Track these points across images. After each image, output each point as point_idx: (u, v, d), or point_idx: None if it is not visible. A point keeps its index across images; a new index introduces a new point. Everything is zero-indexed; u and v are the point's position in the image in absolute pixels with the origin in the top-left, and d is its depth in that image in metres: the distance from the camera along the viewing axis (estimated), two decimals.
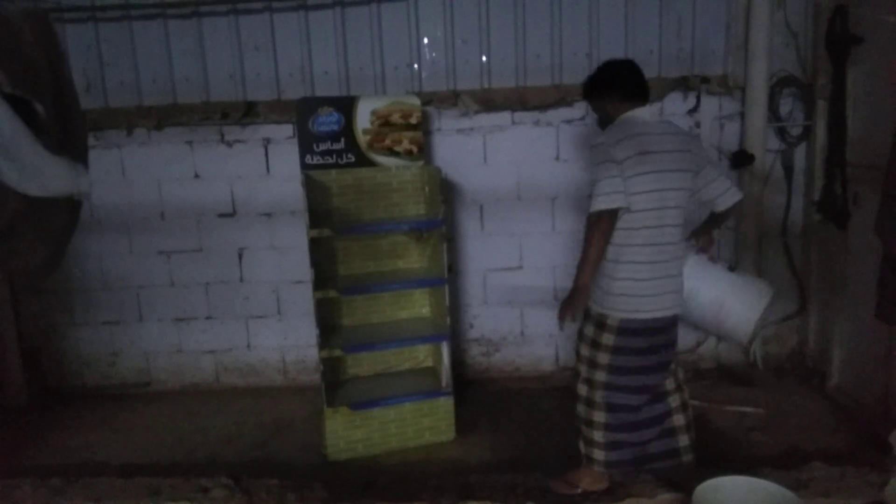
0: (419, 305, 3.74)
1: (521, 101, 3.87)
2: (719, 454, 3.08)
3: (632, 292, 2.50)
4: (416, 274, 3.58)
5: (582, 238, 2.51)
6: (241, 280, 4.08)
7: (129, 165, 3.95)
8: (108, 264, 4.05)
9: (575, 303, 2.51)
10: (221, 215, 4.01)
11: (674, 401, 2.68)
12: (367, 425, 3.30)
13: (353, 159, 3.44)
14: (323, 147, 3.39)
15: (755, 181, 3.84)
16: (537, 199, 3.99)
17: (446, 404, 3.40)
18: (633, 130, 2.47)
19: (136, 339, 4.15)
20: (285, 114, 3.84)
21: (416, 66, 3.87)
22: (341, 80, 3.86)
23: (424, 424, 3.37)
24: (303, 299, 3.93)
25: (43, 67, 1.95)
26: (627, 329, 2.53)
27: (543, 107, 3.88)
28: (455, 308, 3.95)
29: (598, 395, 2.59)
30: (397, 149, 3.48)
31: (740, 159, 3.82)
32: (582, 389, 2.65)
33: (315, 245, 3.19)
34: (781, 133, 3.91)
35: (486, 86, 3.88)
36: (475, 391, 3.96)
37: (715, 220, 2.80)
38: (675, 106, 3.89)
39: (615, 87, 2.58)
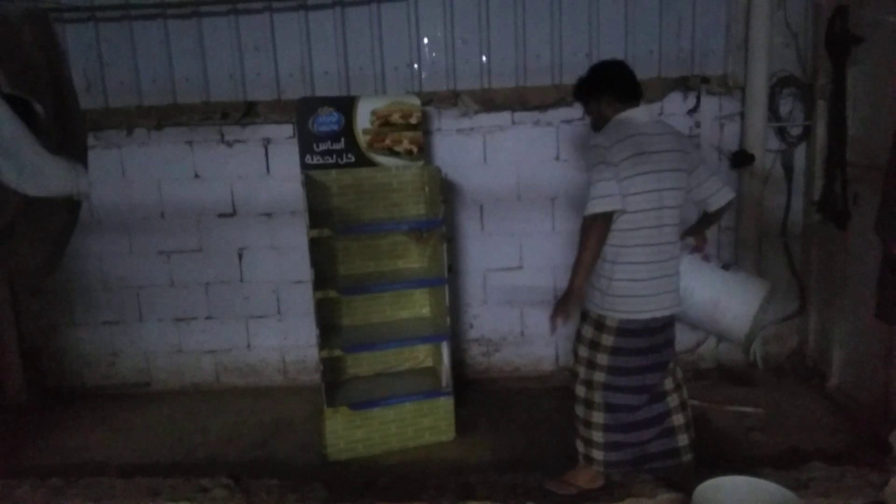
0: (419, 305, 3.74)
1: (521, 101, 3.87)
2: (719, 454, 3.08)
3: (630, 293, 2.50)
4: (416, 274, 3.58)
5: (577, 241, 2.51)
6: (241, 280, 4.08)
7: (129, 165, 3.95)
8: (108, 264, 4.05)
9: (568, 305, 2.51)
10: (221, 215, 4.01)
11: (673, 400, 2.68)
12: (367, 425, 3.30)
13: (353, 159, 3.44)
14: (323, 147, 3.39)
15: (755, 181, 3.84)
16: (537, 199, 3.99)
17: (446, 404, 3.40)
18: (629, 131, 2.47)
19: (136, 339, 4.15)
20: (285, 114, 3.84)
21: (416, 66, 3.87)
22: (341, 80, 3.86)
23: (424, 424, 3.38)
24: (303, 299, 3.93)
25: (43, 67, 1.95)
26: (626, 330, 2.53)
27: (543, 107, 3.88)
28: (455, 308, 3.94)
29: (597, 396, 2.59)
30: (397, 149, 3.48)
31: (740, 159, 3.82)
32: (580, 390, 2.65)
33: (315, 245, 3.19)
34: (781, 133, 3.91)
35: (486, 86, 3.88)
36: (475, 391, 3.96)
37: (708, 219, 2.81)
38: (675, 106, 3.89)
39: (609, 87, 2.58)
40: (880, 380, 3.18)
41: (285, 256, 4.02)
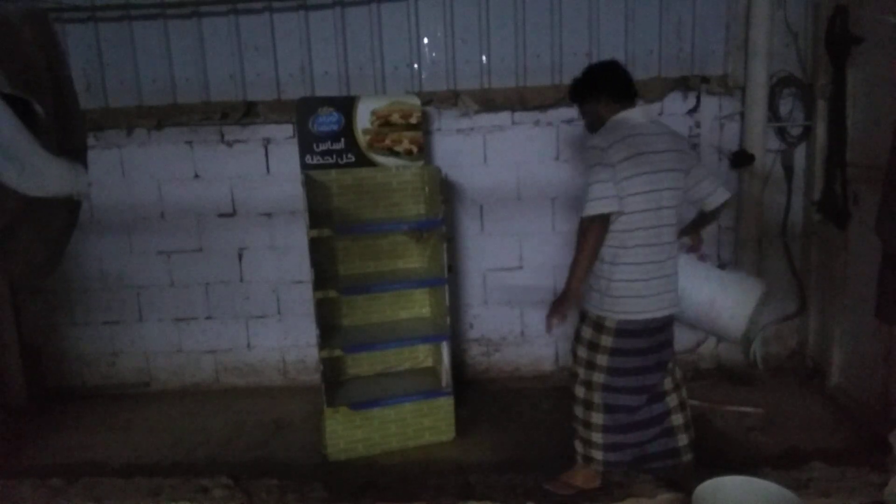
0: (419, 305, 3.75)
1: (521, 101, 3.87)
2: (719, 454, 3.08)
3: (630, 293, 2.50)
4: (416, 274, 3.58)
5: (575, 242, 2.51)
6: (241, 280, 4.08)
7: (129, 165, 3.95)
8: (108, 264, 4.05)
9: (564, 306, 2.51)
10: (221, 215, 4.01)
11: (672, 400, 2.68)
12: (367, 425, 3.30)
13: (353, 159, 3.44)
14: (323, 147, 3.39)
15: (755, 181, 3.84)
16: (537, 199, 3.99)
17: (446, 404, 3.40)
18: (626, 132, 2.47)
19: (136, 339, 4.16)
20: (285, 114, 3.84)
21: (416, 66, 3.87)
22: (341, 80, 3.86)
23: (424, 424, 3.38)
24: (303, 299, 3.93)
25: (43, 67, 1.95)
26: (626, 330, 2.53)
27: (543, 107, 3.88)
28: (455, 308, 3.94)
29: (597, 397, 2.59)
30: (397, 149, 3.48)
31: (740, 159, 3.82)
32: (580, 391, 2.65)
33: (315, 245, 3.19)
34: (781, 133, 3.91)
35: (486, 86, 3.88)
36: (475, 391, 3.96)
37: (704, 219, 2.82)
38: (675, 106, 3.89)
39: (605, 88, 2.58)
40: (880, 380, 3.18)
41: (285, 256, 4.03)
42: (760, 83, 3.73)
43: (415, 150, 3.51)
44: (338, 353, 3.33)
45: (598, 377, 2.58)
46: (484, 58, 3.86)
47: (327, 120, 3.37)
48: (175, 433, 3.60)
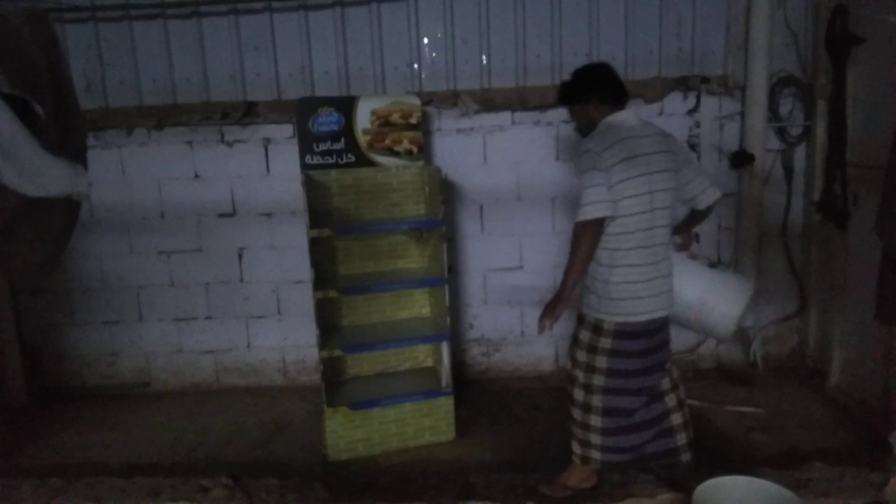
0: (419, 305, 3.74)
1: (521, 101, 3.87)
2: (719, 454, 3.08)
3: (627, 295, 2.51)
4: (416, 274, 3.58)
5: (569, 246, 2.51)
6: (241, 280, 4.08)
7: (129, 165, 3.95)
8: (108, 264, 4.05)
9: (557, 310, 2.51)
10: (221, 215, 4.01)
11: (670, 400, 2.68)
12: (367, 425, 3.30)
13: (353, 159, 3.44)
14: (323, 147, 3.39)
15: (755, 181, 3.84)
16: (537, 199, 3.99)
17: (446, 404, 3.40)
18: (619, 135, 2.47)
19: (136, 339, 4.16)
20: (285, 114, 3.84)
21: (416, 66, 3.87)
22: (341, 80, 3.86)
23: (424, 424, 3.38)
24: (303, 299, 3.93)
25: (43, 67, 1.95)
26: (624, 332, 2.54)
27: (543, 107, 3.88)
28: (455, 308, 3.94)
29: (596, 400, 2.59)
30: (397, 149, 3.48)
31: (740, 159, 3.82)
32: (578, 394, 2.64)
33: (315, 245, 3.19)
34: (781, 133, 3.91)
35: (486, 86, 3.88)
36: (475, 391, 3.96)
37: (695, 217, 2.82)
38: (675, 106, 3.89)
39: (597, 91, 2.57)
40: (880, 380, 3.18)
41: (285, 256, 4.02)
42: (760, 83, 3.72)
43: (415, 150, 3.51)
44: (338, 353, 3.33)
45: (598, 380, 2.58)
46: (484, 58, 3.86)
47: (327, 120, 3.37)
48: (175, 433, 3.60)
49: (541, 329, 2.54)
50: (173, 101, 3.87)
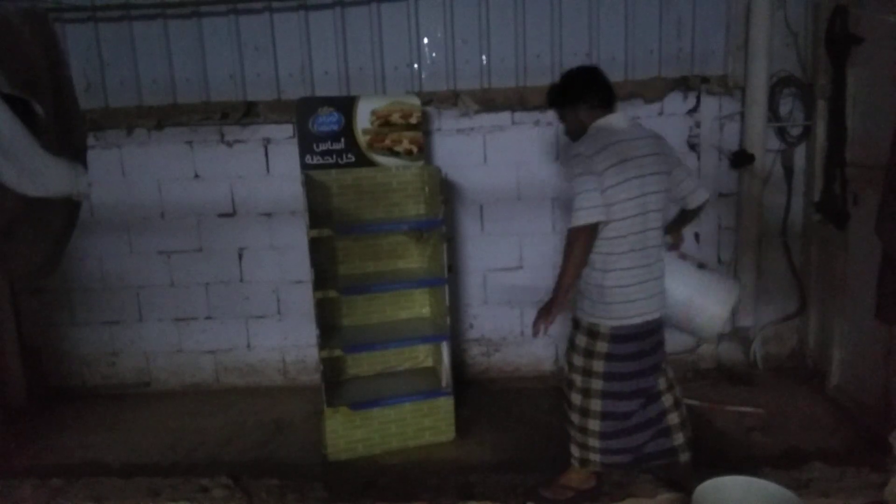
0: (419, 305, 3.74)
1: (521, 101, 3.87)
2: (719, 454, 3.08)
3: (621, 299, 2.51)
4: (416, 274, 3.58)
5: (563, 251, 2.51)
6: (241, 280, 4.08)
7: (129, 165, 3.95)
8: (108, 264, 4.05)
9: (551, 315, 2.51)
10: (221, 215, 4.01)
11: (667, 400, 2.68)
12: (367, 425, 3.30)
13: (353, 159, 3.44)
14: (323, 147, 3.39)
15: (755, 181, 3.84)
16: (537, 199, 3.99)
17: (446, 404, 3.40)
18: (611, 139, 2.47)
19: (136, 339, 4.16)
20: (285, 114, 3.84)
21: (416, 66, 3.87)
22: (341, 80, 3.86)
23: (424, 424, 3.38)
24: (303, 299, 3.93)
25: (42, 67, 1.95)
26: (619, 335, 2.54)
27: (543, 107, 3.83)
28: (455, 308, 3.94)
29: (594, 404, 2.59)
30: (397, 149, 3.48)
31: (740, 159, 3.82)
32: (576, 398, 2.64)
33: (315, 245, 3.19)
34: (781, 133, 3.91)
35: (486, 86, 3.88)
36: (475, 391, 3.96)
37: (685, 217, 2.83)
38: (675, 106, 3.89)
39: (586, 95, 2.57)
40: (880, 380, 3.18)
41: (285, 256, 4.02)
42: (760, 83, 3.72)
43: (415, 150, 3.51)
44: (338, 353, 3.33)
45: (597, 384, 2.58)
46: (484, 58, 3.86)
47: (327, 120, 3.37)
48: (175, 433, 3.60)
49: (535, 333, 2.55)
50: (173, 101, 3.87)
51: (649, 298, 2.55)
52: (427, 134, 3.82)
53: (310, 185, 3.25)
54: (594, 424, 2.60)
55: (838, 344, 3.62)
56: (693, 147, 3.93)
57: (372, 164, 3.47)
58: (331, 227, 3.29)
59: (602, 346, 2.55)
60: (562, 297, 2.50)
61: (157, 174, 3.96)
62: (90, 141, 3.67)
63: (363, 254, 3.63)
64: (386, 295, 3.65)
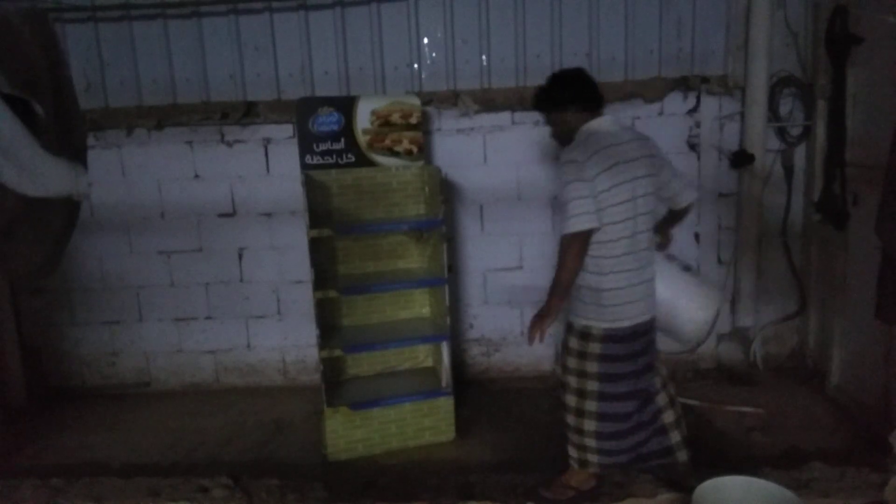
0: (419, 305, 3.74)
1: (521, 101, 3.86)
2: (719, 454, 3.08)
3: (615, 302, 2.51)
4: (416, 274, 3.58)
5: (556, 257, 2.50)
6: (241, 280, 4.08)
7: (129, 165, 3.95)
8: (108, 264, 4.05)
9: (546, 322, 2.50)
10: (221, 215, 4.01)
11: (661, 399, 2.69)
12: (367, 425, 3.30)
13: (353, 159, 3.44)
14: (323, 147, 3.39)
15: (755, 181, 3.84)
16: (537, 199, 3.99)
17: (446, 404, 3.40)
18: (602, 143, 2.46)
19: (136, 339, 4.16)
20: (285, 114, 3.84)
21: (416, 66, 3.87)
22: (341, 80, 3.86)
23: (424, 424, 3.38)
24: (303, 299, 3.93)
25: (42, 67, 1.95)
26: (612, 337, 2.54)
27: None
28: (455, 308, 3.95)
29: (590, 405, 2.59)
30: (397, 149, 3.48)
31: (740, 159, 3.82)
32: (571, 400, 2.64)
33: (315, 245, 3.19)
34: (781, 133, 3.91)
35: (486, 86, 3.88)
36: (475, 391, 3.96)
37: (673, 217, 2.83)
38: (675, 106, 3.89)
39: (575, 97, 2.56)
40: (880, 380, 3.18)
41: (285, 256, 4.03)
42: (760, 83, 3.72)
43: (415, 150, 3.51)
44: (338, 353, 3.33)
45: (592, 385, 2.58)
46: (484, 58, 3.86)
47: (327, 120, 3.37)
48: (175, 433, 3.60)
49: (531, 340, 2.54)
50: (173, 101, 3.87)
51: (641, 301, 2.56)
52: (427, 134, 3.82)
53: (310, 185, 3.25)
54: (590, 425, 2.60)
55: (838, 344, 3.62)
56: (693, 147, 3.93)
57: (372, 164, 3.47)
58: (331, 227, 3.29)
59: (595, 348, 2.56)
60: (557, 304, 2.50)
61: (157, 174, 3.96)
62: (90, 141, 3.67)
63: (363, 254, 3.63)
64: (386, 295, 3.65)
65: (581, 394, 2.61)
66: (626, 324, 2.54)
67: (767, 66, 3.71)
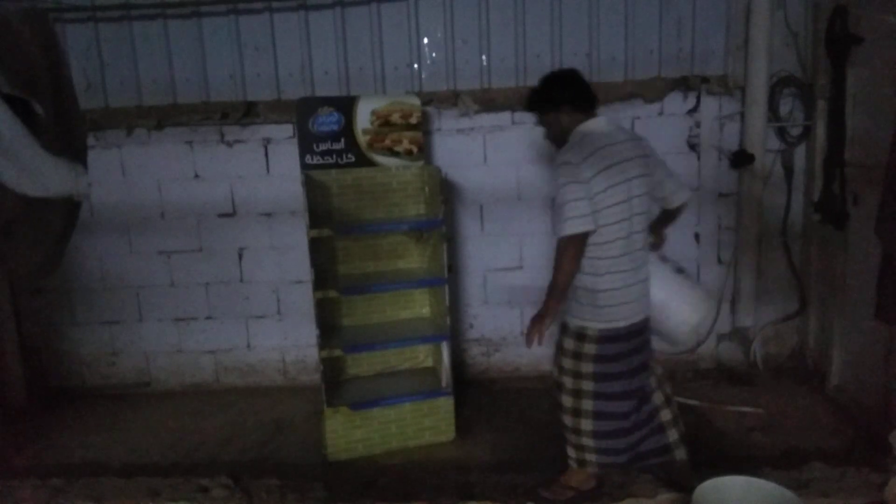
0: (419, 305, 3.74)
1: (521, 101, 3.82)
2: (719, 454, 3.08)
3: (610, 302, 2.52)
4: (416, 274, 3.58)
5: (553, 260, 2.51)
6: (241, 280, 4.08)
7: (129, 165, 3.95)
8: (108, 264, 4.05)
9: (544, 324, 2.50)
10: (221, 215, 4.01)
11: (657, 398, 2.70)
12: (367, 425, 3.30)
13: (353, 159, 3.44)
14: (323, 147, 3.39)
15: (755, 181, 3.84)
16: (537, 199, 3.99)
17: (446, 404, 3.40)
18: (597, 144, 2.46)
19: (136, 339, 4.16)
20: (285, 114, 3.84)
21: (416, 66, 3.87)
22: (341, 80, 3.86)
23: (424, 424, 3.37)
24: (303, 299, 3.93)
25: (42, 67, 1.95)
26: (608, 338, 2.55)
27: None
28: (455, 308, 3.94)
29: (586, 405, 2.60)
30: (397, 149, 3.48)
31: (740, 159, 3.82)
32: (567, 401, 2.64)
33: (315, 245, 3.19)
34: (781, 133, 3.91)
35: (486, 86, 3.88)
36: (475, 391, 3.96)
37: (667, 217, 2.83)
38: (675, 106, 3.89)
39: (569, 98, 2.56)
40: (880, 380, 3.18)
41: (285, 256, 4.02)
42: (760, 83, 3.72)
43: (415, 150, 3.51)
44: (338, 353, 3.33)
45: (587, 385, 2.58)
46: (484, 58, 3.86)
47: (327, 120, 3.37)
48: (175, 433, 3.60)
49: (529, 344, 2.54)
50: (173, 101, 3.87)
51: (636, 301, 2.57)
52: (427, 134, 3.82)
53: (310, 185, 3.25)
54: (587, 425, 2.61)
55: (838, 344, 3.62)
56: (693, 147, 3.93)
57: (372, 164, 3.47)
58: (331, 227, 3.29)
59: (590, 349, 2.56)
60: (554, 306, 2.50)
61: (157, 174, 3.96)
62: (90, 141, 3.67)
63: (363, 254, 3.63)
64: (386, 295, 3.65)
65: (577, 394, 2.61)
66: (621, 324, 2.54)
67: (767, 66, 3.71)
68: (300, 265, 3.76)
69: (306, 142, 3.36)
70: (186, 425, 3.69)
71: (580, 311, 2.57)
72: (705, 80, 3.85)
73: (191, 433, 3.59)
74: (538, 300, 2.56)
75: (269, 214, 4.01)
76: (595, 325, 2.54)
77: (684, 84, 3.86)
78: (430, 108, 3.85)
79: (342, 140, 3.40)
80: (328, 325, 3.52)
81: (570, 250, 2.43)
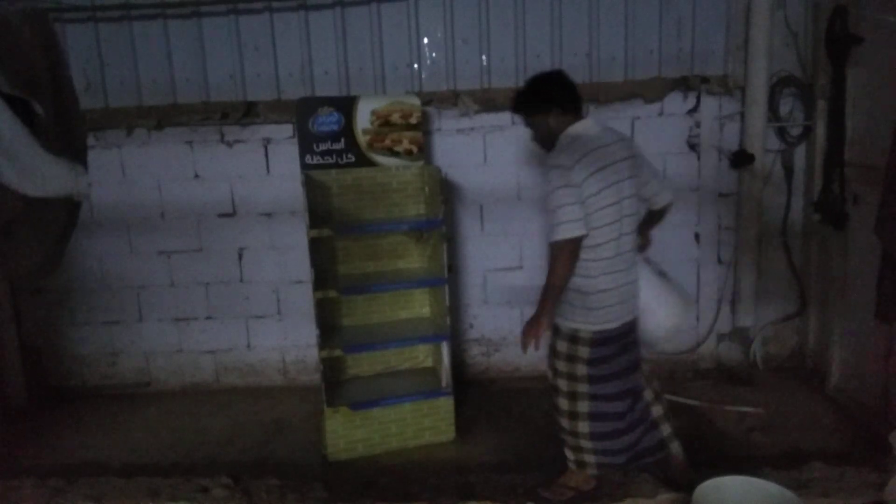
0: (419, 305, 3.74)
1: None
2: (719, 454, 3.08)
3: (602, 304, 2.52)
4: (416, 274, 3.58)
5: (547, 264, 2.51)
6: (241, 280, 4.08)
7: (129, 165, 3.95)
8: (108, 264, 4.05)
9: (539, 329, 2.51)
10: (221, 215, 4.01)
11: (648, 394, 2.72)
12: (367, 425, 3.30)
13: (353, 159, 3.44)
14: (323, 147, 3.39)
15: (755, 181, 3.84)
16: (537, 199, 3.98)
17: (446, 404, 3.40)
18: (587, 146, 2.46)
19: (136, 339, 4.15)
20: (285, 114, 3.84)
21: (416, 66, 3.87)
22: (341, 80, 3.86)
23: (424, 424, 3.38)
24: (303, 299, 3.93)
25: (42, 67, 1.96)
26: (601, 339, 2.55)
27: None
28: (455, 308, 3.94)
29: (582, 406, 2.60)
30: (397, 149, 3.48)
31: (740, 159, 3.82)
32: (563, 403, 2.65)
33: (315, 245, 3.19)
34: (781, 133, 3.91)
35: (486, 86, 3.88)
36: (475, 391, 3.96)
37: (652, 218, 2.83)
38: (675, 106, 3.88)
39: (557, 100, 2.55)
40: (880, 380, 3.18)
41: (285, 256, 4.02)
42: (760, 83, 3.72)
43: (415, 150, 3.51)
44: (338, 353, 3.33)
45: (583, 387, 2.59)
46: (484, 58, 3.86)
47: (327, 120, 3.37)
48: (175, 433, 3.60)
49: (524, 348, 2.55)
50: (173, 101, 3.87)
51: (627, 302, 2.59)
52: (427, 134, 3.82)
53: (310, 185, 3.25)
54: (584, 426, 2.61)
55: (838, 344, 3.62)
56: (693, 147, 3.93)
57: (372, 164, 3.47)
58: (331, 227, 3.29)
59: (584, 351, 2.56)
60: (549, 310, 2.50)
61: (157, 174, 3.96)
62: (90, 141, 3.67)
63: (363, 254, 3.63)
64: (386, 295, 3.65)
65: (573, 396, 2.61)
66: (613, 325, 2.55)
67: (767, 66, 3.71)
68: (300, 265, 3.76)
69: (306, 142, 3.36)
70: (186, 425, 3.69)
71: (572, 313, 2.57)
72: (705, 80, 3.85)
73: (191, 433, 3.60)
74: (536, 301, 2.56)
75: (269, 214, 4.01)
76: (588, 327, 2.55)
77: (684, 84, 3.86)
78: (430, 108, 3.85)
79: (342, 140, 3.40)
80: (328, 325, 3.52)
81: (564, 254, 2.43)
